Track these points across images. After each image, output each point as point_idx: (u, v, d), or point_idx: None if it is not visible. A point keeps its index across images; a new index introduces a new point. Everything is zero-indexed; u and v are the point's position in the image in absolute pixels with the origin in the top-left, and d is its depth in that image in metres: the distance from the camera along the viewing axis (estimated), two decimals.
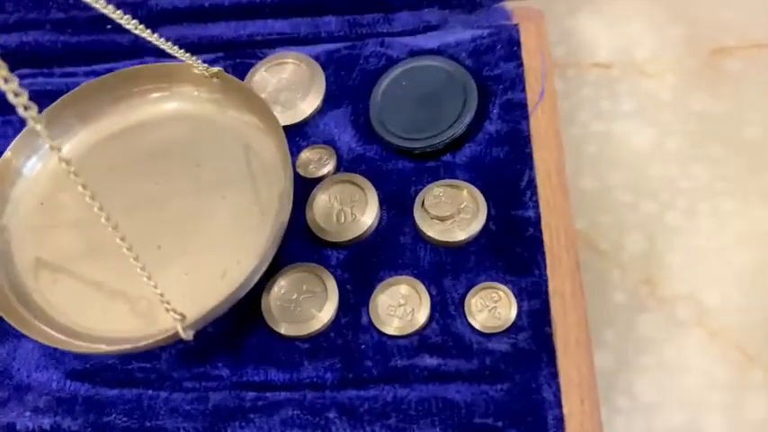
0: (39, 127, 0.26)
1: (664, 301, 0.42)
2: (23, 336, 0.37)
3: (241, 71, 0.50)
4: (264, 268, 0.36)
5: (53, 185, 0.41)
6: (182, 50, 0.38)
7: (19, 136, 0.41)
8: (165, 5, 0.51)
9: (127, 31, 0.51)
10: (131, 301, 0.36)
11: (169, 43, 0.37)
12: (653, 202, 0.45)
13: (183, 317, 0.33)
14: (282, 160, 0.38)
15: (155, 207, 0.39)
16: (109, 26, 0.52)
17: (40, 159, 0.42)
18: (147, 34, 0.35)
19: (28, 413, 0.39)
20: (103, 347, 0.35)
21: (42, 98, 0.52)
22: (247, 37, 0.51)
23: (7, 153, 0.41)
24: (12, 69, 0.25)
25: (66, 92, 0.52)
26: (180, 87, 0.42)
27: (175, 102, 0.42)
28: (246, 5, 0.51)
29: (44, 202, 0.41)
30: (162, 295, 0.31)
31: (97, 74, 0.52)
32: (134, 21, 0.35)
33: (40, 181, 0.41)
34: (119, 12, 0.34)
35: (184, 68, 0.40)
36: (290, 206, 0.37)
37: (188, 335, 0.33)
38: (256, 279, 0.36)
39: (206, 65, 0.40)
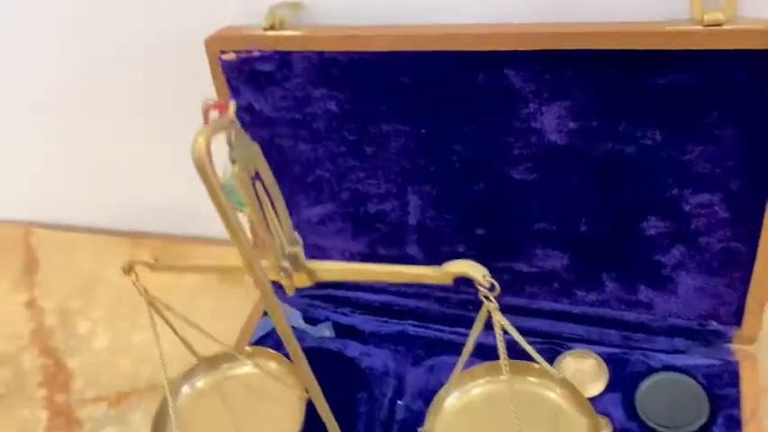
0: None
1: None
2: None
3: (550, 353, 0.81)
4: None
5: None
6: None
7: None
8: (510, 303, 0.84)
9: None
10: None
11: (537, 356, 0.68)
12: None
13: None
14: None
15: None
16: (470, 307, 0.86)
17: None
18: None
19: None
20: None
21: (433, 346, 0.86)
22: (556, 332, 0.83)
23: None
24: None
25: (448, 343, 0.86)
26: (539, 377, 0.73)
27: (533, 385, 0.73)
28: (559, 312, 0.83)
29: None
30: None
31: (460, 334, 0.85)
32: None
33: None
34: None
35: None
36: None
37: None
38: None
39: (555, 371, 0.71)
